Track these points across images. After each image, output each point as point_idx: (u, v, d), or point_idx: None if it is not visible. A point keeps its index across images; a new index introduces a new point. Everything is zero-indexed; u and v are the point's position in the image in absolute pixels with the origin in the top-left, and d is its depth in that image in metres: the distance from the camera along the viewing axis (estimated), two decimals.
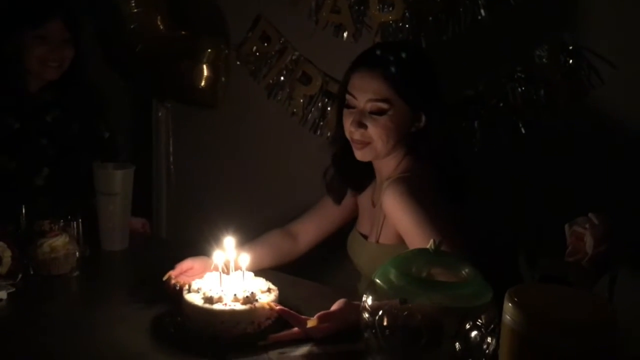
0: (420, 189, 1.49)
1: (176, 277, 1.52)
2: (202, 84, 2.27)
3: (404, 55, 1.54)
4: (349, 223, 1.79)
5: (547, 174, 1.79)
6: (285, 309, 1.36)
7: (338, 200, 1.74)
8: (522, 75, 1.80)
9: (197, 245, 1.62)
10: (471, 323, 1.11)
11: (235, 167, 2.43)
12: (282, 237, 1.78)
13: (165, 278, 1.51)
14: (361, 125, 1.54)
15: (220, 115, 2.38)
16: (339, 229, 1.80)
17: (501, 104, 1.84)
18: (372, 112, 1.53)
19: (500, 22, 1.80)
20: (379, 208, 1.60)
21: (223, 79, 2.30)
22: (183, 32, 2.32)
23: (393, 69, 1.51)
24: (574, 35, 1.72)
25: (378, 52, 1.56)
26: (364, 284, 1.64)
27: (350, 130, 1.57)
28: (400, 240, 1.53)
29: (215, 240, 1.50)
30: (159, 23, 2.30)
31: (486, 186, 1.79)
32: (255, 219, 1.94)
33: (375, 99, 1.52)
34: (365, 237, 1.68)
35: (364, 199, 1.73)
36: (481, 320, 1.12)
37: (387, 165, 1.61)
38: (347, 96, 1.57)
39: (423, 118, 1.56)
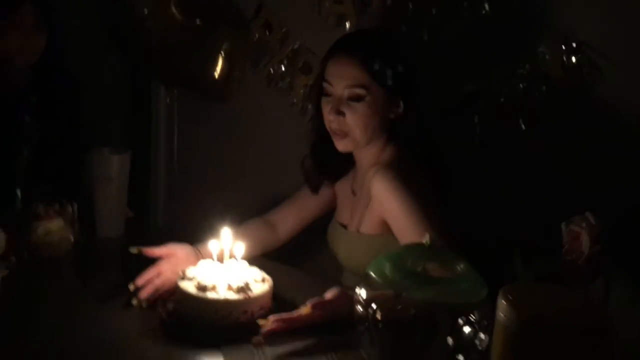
0: (408, 177, 1.50)
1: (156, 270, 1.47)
2: (216, 75, 2.19)
3: (379, 41, 1.57)
4: (329, 212, 1.79)
5: (546, 171, 1.78)
6: (279, 321, 1.30)
7: (315, 189, 1.75)
8: (524, 71, 1.79)
9: (194, 234, 1.61)
10: (464, 319, 1.11)
11: (237, 156, 2.41)
12: (261, 226, 1.77)
13: (135, 251, 1.49)
14: (339, 112, 1.55)
15: (225, 104, 2.36)
16: (318, 218, 1.80)
17: (502, 99, 1.83)
18: (349, 99, 1.54)
19: (503, 17, 1.79)
20: (361, 197, 1.61)
21: (237, 72, 2.26)
22: (198, 22, 2.26)
23: (368, 54, 1.52)
24: (577, 32, 1.71)
25: (353, 39, 1.58)
26: (348, 278, 1.64)
27: (329, 119, 1.57)
28: (381, 231, 1.53)
29: (212, 229, 1.49)
30: (173, 10, 2.23)
31: (484, 182, 1.78)
32: (254, 210, 1.93)
33: (352, 85, 1.53)
34: (345, 226, 1.68)
35: (343, 187, 1.73)
36: (474, 316, 1.11)
37: (370, 153, 1.61)
38: (325, 84, 1.57)
39: (401, 104, 1.57)
